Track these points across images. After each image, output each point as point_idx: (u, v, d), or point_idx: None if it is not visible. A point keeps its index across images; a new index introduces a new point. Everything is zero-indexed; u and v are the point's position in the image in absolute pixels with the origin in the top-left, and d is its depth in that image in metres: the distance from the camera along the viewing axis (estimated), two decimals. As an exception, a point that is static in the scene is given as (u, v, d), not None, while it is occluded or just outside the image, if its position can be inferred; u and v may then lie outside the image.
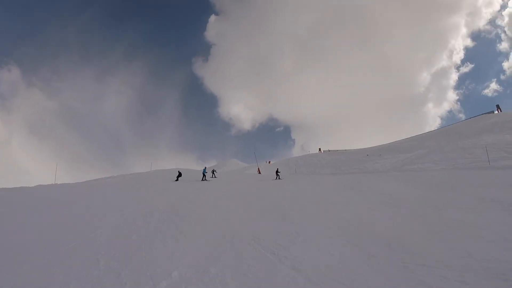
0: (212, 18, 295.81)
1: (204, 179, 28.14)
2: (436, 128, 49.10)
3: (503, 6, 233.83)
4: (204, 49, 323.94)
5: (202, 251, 6.85)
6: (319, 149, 61.25)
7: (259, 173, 40.20)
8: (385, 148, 44.81)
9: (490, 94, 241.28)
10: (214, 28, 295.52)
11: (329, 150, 58.80)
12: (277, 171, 27.74)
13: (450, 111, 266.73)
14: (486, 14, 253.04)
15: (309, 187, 17.55)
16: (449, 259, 5.51)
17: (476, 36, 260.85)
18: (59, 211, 12.87)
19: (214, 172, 34.56)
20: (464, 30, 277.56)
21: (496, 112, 46.21)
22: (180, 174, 29.85)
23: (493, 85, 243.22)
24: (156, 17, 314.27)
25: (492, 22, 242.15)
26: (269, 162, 69.93)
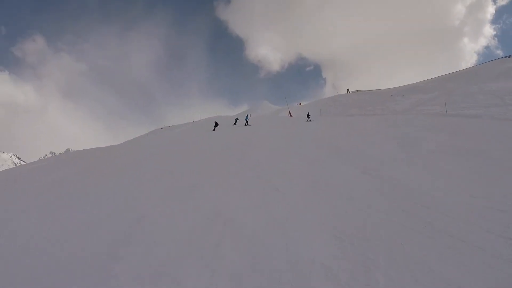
0: None
1: (246, 124, 32.39)
2: (470, 66, 50.33)
3: None
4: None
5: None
6: (348, 90, 64.12)
7: (291, 116, 44.09)
8: (410, 88, 47.45)
9: None
10: None
11: (357, 91, 61.62)
12: (308, 115, 31.74)
13: (487, 47, 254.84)
14: None
15: (324, 129, 21.46)
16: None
17: None
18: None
19: (247, 119, 35.72)
20: None
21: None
22: (217, 124, 32.15)
23: None
24: None
25: None
26: (300, 103, 73.57)
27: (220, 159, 12.82)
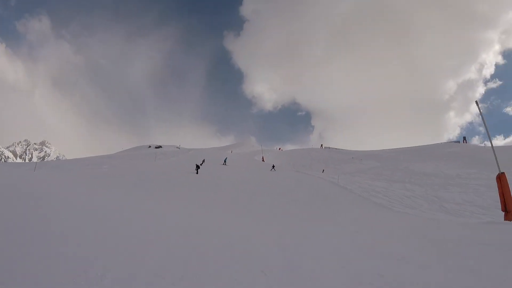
0: None
1: (224, 164, 38.18)
2: (445, 141, 58.16)
3: None
4: (237, 24, 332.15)
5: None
6: (321, 145, 72.30)
7: (263, 161, 50.96)
8: (370, 154, 55.58)
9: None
10: (250, 4, 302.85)
11: (329, 148, 69.69)
12: (273, 166, 38.19)
13: (471, 123, 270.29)
14: None
15: (277, 180, 28.24)
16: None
17: (508, 54, 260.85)
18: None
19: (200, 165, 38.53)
20: (497, 47, 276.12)
21: (462, 143, 55.68)
22: (201, 163, 31.50)
23: None
24: None
25: None
26: (280, 149, 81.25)
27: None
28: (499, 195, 11.94)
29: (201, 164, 29.26)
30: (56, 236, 4.49)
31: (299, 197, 18.47)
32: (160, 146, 75.54)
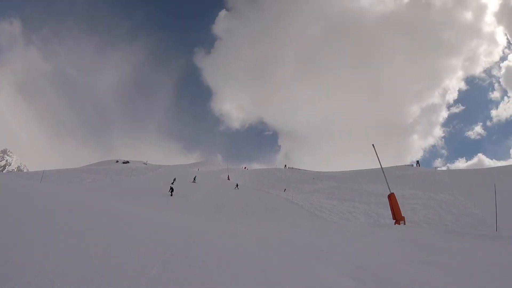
0: (223, 13, 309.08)
1: (194, 181, 39.77)
2: (402, 164, 61.71)
3: (503, 58, 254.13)
4: (209, 42, 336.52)
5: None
6: (285, 165, 74.86)
7: (228, 179, 52.66)
8: (330, 175, 58.44)
9: (473, 137, 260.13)
10: (222, 22, 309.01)
11: (292, 168, 72.27)
12: (237, 185, 40.01)
13: (433, 146, 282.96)
14: (484, 62, 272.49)
15: (238, 197, 30.29)
16: None
17: (470, 81, 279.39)
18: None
19: (195, 178, 41.07)
20: (460, 73, 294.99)
21: (415, 166, 59.56)
22: (172, 183, 30.90)
23: (478, 129, 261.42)
24: (167, 1, 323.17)
25: (488, 71, 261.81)
26: (245, 167, 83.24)
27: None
28: (390, 209, 15.30)
29: (172, 183, 29.82)
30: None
31: (255, 210, 20.62)
32: (127, 162, 75.57)
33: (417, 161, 61.54)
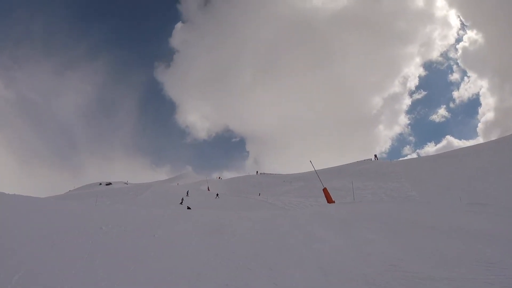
0: (179, 25, 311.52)
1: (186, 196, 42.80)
2: (362, 159, 66.90)
3: (458, 40, 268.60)
4: (167, 55, 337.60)
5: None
6: (257, 172, 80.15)
7: (208, 190, 57.02)
8: (299, 176, 64.05)
9: (438, 120, 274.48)
10: (179, 35, 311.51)
11: (264, 173, 77.58)
12: (217, 194, 44.59)
13: (401, 134, 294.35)
14: (440, 46, 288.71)
15: (220, 204, 35.03)
16: None
17: (428, 66, 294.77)
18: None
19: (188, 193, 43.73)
20: (417, 60, 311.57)
21: (373, 159, 65.88)
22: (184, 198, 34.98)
23: (442, 112, 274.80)
24: (122, 18, 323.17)
25: (445, 54, 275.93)
26: (219, 177, 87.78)
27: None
28: (325, 197, 21.76)
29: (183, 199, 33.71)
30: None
31: (238, 210, 25.47)
32: (110, 183, 77.73)
33: (375, 155, 67.88)
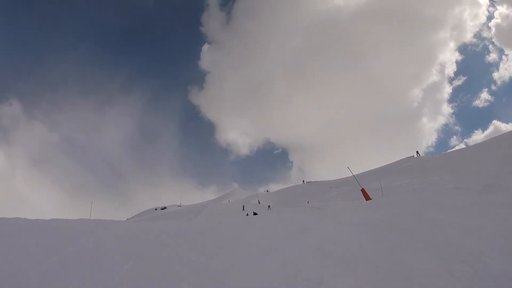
0: (205, 47, 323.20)
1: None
2: (404, 157, 68.20)
3: (489, 18, 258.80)
4: (199, 78, 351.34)
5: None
6: (303, 181, 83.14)
7: (259, 203, 60.75)
8: (345, 181, 66.19)
9: (481, 105, 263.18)
10: (207, 56, 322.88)
11: (310, 182, 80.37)
12: (269, 206, 48.22)
13: (446, 125, 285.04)
14: (472, 27, 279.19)
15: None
16: None
17: (463, 49, 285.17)
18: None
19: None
20: (451, 44, 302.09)
21: (415, 156, 66.80)
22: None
23: (485, 95, 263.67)
24: (151, 49, 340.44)
25: (478, 34, 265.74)
26: (267, 190, 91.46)
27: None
28: (364, 195, 26.55)
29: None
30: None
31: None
32: (165, 207, 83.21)
33: (417, 151, 68.74)
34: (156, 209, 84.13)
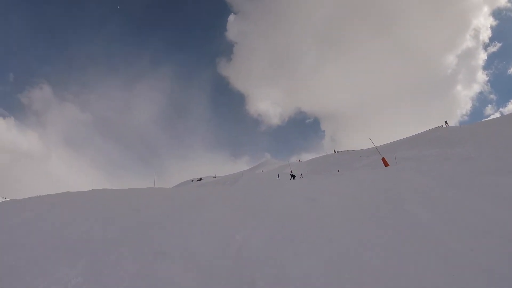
0: (231, 17, 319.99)
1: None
2: (435, 126, 69.72)
3: None
4: (226, 49, 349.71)
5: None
6: (334, 150, 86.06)
7: (291, 172, 64.44)
8: (373, 150, 68.75)
9: None
10: (234, 27, 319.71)
11: (341, 151, 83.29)
12: (301, 175, 51.66)
13: (481, 93, 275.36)
14: None
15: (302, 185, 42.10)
16: None
17: (498, 14, 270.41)
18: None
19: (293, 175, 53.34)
20: (486, 9, 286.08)
21: (444, 126, 67.79)
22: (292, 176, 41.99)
23: None
24: (176, 23, 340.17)
25: None
26: (299, 160, 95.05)
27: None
28: (384, 162, 28.01)
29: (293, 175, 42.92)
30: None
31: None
32: (201, 179, 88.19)
33: (446, 121, 69.42)
34: (192, 180, 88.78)
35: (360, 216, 9.38)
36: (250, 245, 7.15)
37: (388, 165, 29.16)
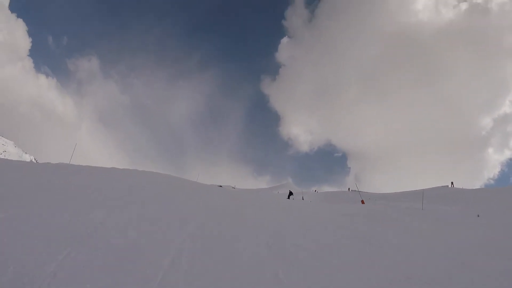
0: (285, 40, 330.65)
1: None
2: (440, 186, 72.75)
3: None
4: (273, 69, 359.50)
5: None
6: (348, 188, 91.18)
7: (303, 199, 70.19)
8: (384, 196, 73.37)
9: None
10: (285, 50, 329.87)
11: (354, 190, 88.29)
12: (302, 197, 57.65)
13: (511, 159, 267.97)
14: None
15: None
16: None
17: None
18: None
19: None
20: None
21: (449, 186, 70.90)
22: (291, 193, 46.51)
23: None
24: (232, 33, 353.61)
25: None
26: (315, 190, 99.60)
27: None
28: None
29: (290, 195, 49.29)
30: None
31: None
32: (221, 186, 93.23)
33: (451, 182, 72.01)
34: (211, 185, 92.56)
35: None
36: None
37: (364, 203, 34.36)
